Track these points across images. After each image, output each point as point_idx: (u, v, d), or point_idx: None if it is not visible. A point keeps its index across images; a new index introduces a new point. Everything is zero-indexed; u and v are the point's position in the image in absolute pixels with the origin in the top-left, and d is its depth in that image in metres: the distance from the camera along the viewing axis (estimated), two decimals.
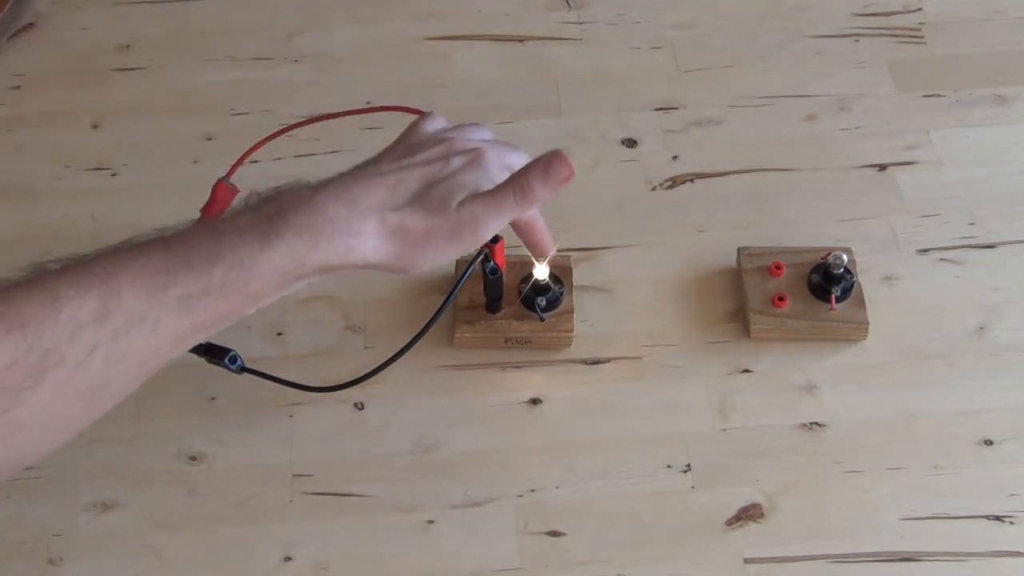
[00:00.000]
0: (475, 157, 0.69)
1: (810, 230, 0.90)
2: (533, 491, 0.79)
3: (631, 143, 0.97)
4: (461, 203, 0.66)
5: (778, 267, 0.85)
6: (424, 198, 0.66)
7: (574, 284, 0.85)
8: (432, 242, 0.65)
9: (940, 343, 0.85)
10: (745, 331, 0.85)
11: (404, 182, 0.66)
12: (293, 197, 0.64)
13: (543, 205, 0.69)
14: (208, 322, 0.61)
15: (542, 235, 0.77)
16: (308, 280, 0.64)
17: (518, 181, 0.66)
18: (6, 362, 0.54)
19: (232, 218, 0.63)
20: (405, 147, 0.71)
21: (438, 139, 0.71)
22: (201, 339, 0.62)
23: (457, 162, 0.68)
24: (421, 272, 0.66)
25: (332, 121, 0.81)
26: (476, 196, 0.66)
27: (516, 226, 0.75)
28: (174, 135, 0.97)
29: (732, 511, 0.78)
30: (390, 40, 1.04)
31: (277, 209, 0.63)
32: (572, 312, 0.84)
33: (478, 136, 0.73)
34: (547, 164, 0.66)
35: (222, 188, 0.80)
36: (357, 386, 0.80)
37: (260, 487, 0.79)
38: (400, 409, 0.82)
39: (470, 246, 0.67)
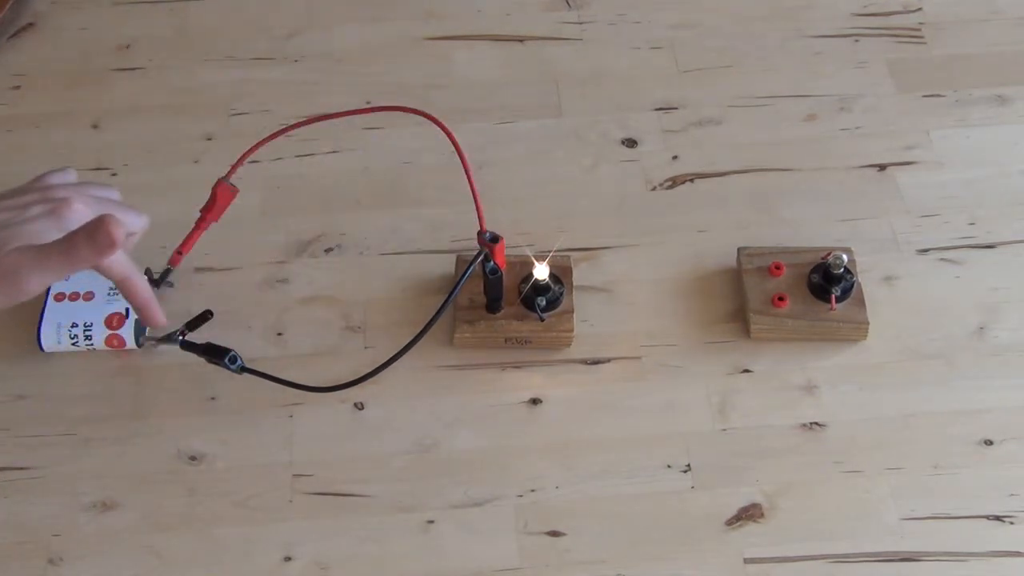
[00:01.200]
0: (56, 207, 0.65)
1: (810, 230, 0.90)
2: (533, 491, 0.79)
3: (631, 143, 0.97)
4: (9, 252, 0.62)
5: (778, 267, 0.85)
6: None
7: (574, 284, 0.85)
8: None
9: (940, 343, 0.85)
10: (745, 331, 0.85)
11: None
12: None
13: (91, 267, 0.65)
14: None
15: (142, 300, 0.71)
16: None
17: (67, 238, 0.63)
18: None
19: None
20: (11, 190, 0.68)
21: (42, 187, 0.68)
22: None
23: (36, 211, 0.65)
24: None
25: (332, 121, 0.81)
26: (27, 247, 0.63)
27: (117, 285, 0.71)
28: (174, 135, 0.97)
29: (732, 511, 0.78)
30: (390, 40, 1.04)
31: None
32: (572, 312, 0.84)
33: (96, 194, 0.69)
34: (93, 228, 0.62)
35: (222, 188, 0.80)
36: (357, 386, 0.80)
37: (260, 487, 0.79)
38: (400, 409, 0.82)
39: (13, 298, 0.63)
